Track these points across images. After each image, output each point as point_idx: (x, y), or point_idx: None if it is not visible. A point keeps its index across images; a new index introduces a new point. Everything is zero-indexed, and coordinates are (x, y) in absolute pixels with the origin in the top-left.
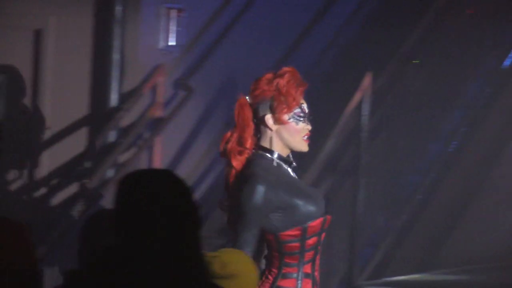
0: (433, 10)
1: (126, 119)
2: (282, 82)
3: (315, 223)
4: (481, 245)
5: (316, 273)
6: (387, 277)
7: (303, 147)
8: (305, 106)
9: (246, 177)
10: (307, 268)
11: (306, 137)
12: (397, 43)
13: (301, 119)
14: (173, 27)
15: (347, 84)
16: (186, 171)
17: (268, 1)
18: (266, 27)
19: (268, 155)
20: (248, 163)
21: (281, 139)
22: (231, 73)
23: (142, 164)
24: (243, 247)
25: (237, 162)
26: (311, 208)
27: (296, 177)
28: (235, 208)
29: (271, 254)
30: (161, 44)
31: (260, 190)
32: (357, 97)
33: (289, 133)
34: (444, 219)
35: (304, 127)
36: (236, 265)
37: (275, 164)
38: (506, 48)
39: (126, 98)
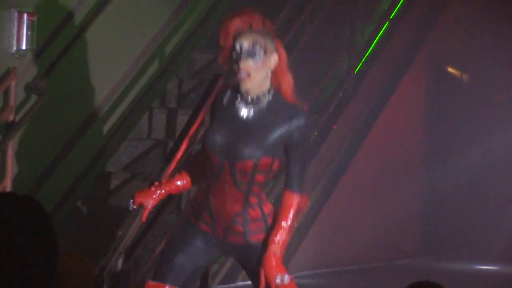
0: (284, 13)
1: None
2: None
3: (212, 155)
4: (336, 248)
5: (215, 201)
6: (240, 281)
7: (242, 86)
8: (238, 45)
9: None
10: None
11: (243, 74)
12: None
13: (235, 59)
14: (24, 31)
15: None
16: (39, 173)
17: (122, 3)
18: (119, 30)
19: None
20: None
21: None
22: (84, 77)
23: None
24: None
25: None
26: (211, 139)
27: (247, 116)
28: None
29: None
30: (13, 48)
31: None
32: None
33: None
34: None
35: (238, 67)
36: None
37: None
38: (359, 52)
39: None
